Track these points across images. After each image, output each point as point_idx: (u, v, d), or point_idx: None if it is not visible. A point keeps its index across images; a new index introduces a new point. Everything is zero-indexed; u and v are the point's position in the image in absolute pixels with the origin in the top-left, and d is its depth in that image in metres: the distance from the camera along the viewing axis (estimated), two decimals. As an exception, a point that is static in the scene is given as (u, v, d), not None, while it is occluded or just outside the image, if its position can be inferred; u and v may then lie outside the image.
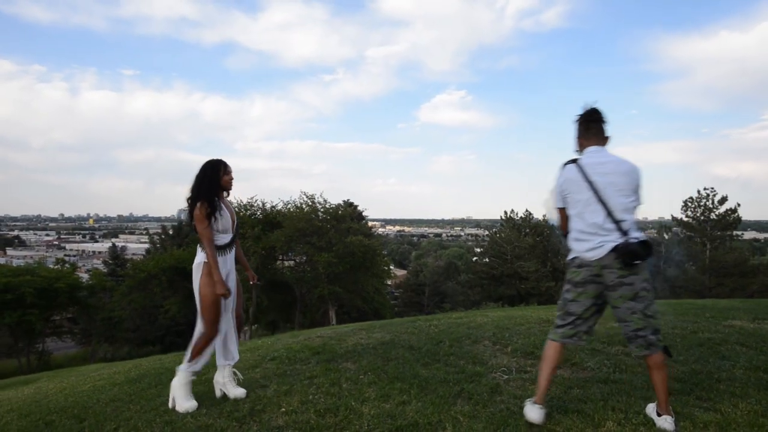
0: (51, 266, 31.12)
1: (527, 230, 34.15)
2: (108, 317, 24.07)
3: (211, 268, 2.97)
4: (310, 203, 20.53)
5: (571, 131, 2.56)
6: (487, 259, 34.49)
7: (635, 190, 2.36)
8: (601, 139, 2.45)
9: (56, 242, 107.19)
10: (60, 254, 70.58)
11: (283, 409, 2.93)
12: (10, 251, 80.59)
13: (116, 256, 36.16)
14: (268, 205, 22.11)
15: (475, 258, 42.21)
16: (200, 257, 3.03)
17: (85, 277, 28.45)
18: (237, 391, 3.24)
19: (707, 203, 27.48)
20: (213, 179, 3.01)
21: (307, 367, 3.84)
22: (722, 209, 27.23)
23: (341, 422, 2.70)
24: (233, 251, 3.17)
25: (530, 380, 3.23)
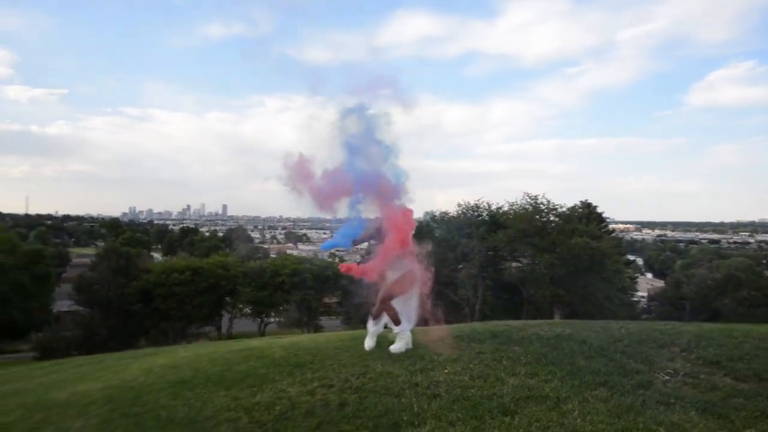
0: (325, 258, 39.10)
1: None
2: (361, 302, 28.76)
3: None
4: (533, 204, 20.43)
5: None
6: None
7: None
8: None
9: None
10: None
11: (446, 371, 3.63)
12: (300, 246, 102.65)
13: (369, 251, 42.61)
14: (493, 207, 22.94)
15: (768, 271, 33.58)
16: None
17: (347, 268, 34.68)
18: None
19: None
20: None
21: (481, 345, 4.42)
22: None
23: (486, 385, 3.25)
24: None
25: (692, 385, 3.09)
